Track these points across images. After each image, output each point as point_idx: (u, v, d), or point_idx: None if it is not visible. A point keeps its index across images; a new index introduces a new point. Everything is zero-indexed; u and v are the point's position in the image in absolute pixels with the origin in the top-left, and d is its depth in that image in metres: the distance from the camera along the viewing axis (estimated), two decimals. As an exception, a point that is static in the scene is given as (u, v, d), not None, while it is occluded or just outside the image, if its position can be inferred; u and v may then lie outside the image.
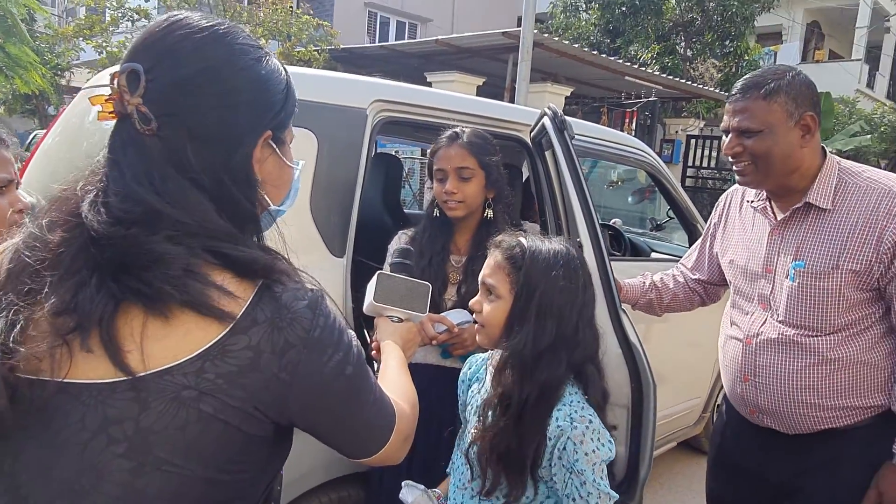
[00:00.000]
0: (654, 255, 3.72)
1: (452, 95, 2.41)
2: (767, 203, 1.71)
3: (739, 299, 1.78)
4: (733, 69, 15.34)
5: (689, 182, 12.41)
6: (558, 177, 2.39)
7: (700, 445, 3.65)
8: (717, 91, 13.16)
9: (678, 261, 3.44)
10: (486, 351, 1.52)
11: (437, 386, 1.73)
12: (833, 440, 1.62)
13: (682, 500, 3.36)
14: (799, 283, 1.59)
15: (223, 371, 0.73)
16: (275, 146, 0.87)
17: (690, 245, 3.32)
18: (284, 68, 0.89)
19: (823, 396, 1.59)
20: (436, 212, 1.93)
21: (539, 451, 1.27)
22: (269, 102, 0.85)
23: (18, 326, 0.72)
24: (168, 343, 0.73)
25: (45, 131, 2.81)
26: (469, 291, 1.75)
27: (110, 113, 0.77)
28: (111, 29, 10.23)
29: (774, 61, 18.46)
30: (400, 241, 1.98)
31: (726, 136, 1.65)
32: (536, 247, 1.36)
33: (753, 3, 14.72)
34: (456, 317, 1.77)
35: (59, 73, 12.50)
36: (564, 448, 1.24)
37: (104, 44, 10.02)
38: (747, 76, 1.62)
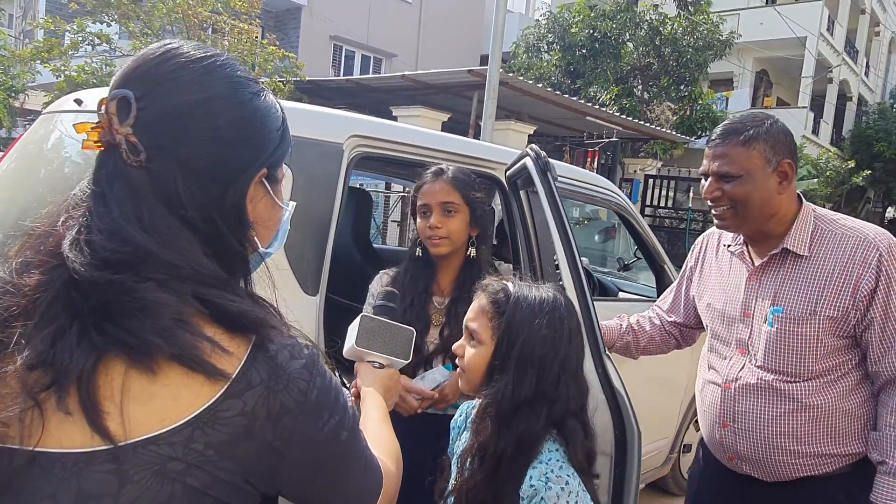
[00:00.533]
0: (621, 294, 3.74)
1: (429, 132, 2.40)
2: (745, 248, 1.73)
3: (717, 343, 1.78)
4: (688, 112, 15.92)
5: (647, 220, 12.73)
6: (532, 217, 2.39)
7: (667, 487, 3.63)
8: (673, 133, 13.60)
9: (645, 300, 3.47)
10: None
11: (416, 433, 1.66)
12: (812, 488, 1.61)
13: (649, 543, 3.33)
14: (777, 328, 1.59)
15: (214, 440, 0.66)
16: (268, 185, 0.82)
17: (658, 285, 3.37)
18: (280, 105, 0.85)
19: (802, 443, 1.59)
20: (418, 251, 1.89)
21: None
22: (266, 139, 0.80)
23: None
24: (154, 406, 0.66)
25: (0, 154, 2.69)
26: (452, 334, 1.70)
27: (96, 142, 0.72)
28: (70, 53, 10.00)
29: (727, 106, 19.21)
30: (381, 281, 1.93)
31: (705, 180, 1.67)
32: (522, 293, 1.32)
33: (707, 51, 15.41)
34: (432, 381, 1.72)
35: (13, 94, 12.14)
36: None
37: (62, 67, 9.77)
38: (726, 122, 1.64)
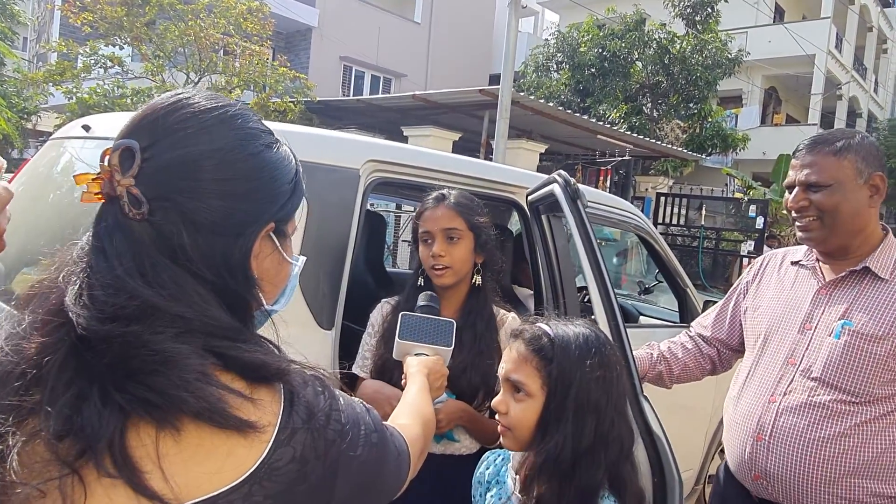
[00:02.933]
0: (642, 319, 3.63)
1: (448, 156, 2.33)
2: (817, 264, 1.67)
3: (764, 355, 1.69)
4: (697, 130, 15.83)
5: (658, 239, 12.57)
6: (553, 242, 2.31)
7: (691, 520, 3.50)
8: (685, 151, 13.53)
9: (669, 326, 3.35)
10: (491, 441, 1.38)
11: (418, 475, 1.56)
12: None
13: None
14: (845, 341, 1.52)
15: (272, 491, 0.66)
16: (276, 240, 0.80)
17: (680, 310, 3.26)
18: (294, 156, 0.82)
19: (848, 474, 1.48)
20: (420, 280, 1.80)
21: None
22: (275, 192, 0.78)
23: (14, 455, 0.60)
24: (208, 465, 0.64)
25: (10, 176, 2.65)
26: (457, 365, 1.61)
27: (96, 194, 0.69)
28: (83, 75, 10.07)
29: (736, 123, 19.13)
30: (382, 310, 1.84)
31: (789, 192, 1.61)
32: (564, 334, 1.23)
33: (715, 69, 15.34)
34: None
35: (26, 116, 12.24)
36: None
37: (74, 89, 9.83)
38: (814, 135, 1.61)
